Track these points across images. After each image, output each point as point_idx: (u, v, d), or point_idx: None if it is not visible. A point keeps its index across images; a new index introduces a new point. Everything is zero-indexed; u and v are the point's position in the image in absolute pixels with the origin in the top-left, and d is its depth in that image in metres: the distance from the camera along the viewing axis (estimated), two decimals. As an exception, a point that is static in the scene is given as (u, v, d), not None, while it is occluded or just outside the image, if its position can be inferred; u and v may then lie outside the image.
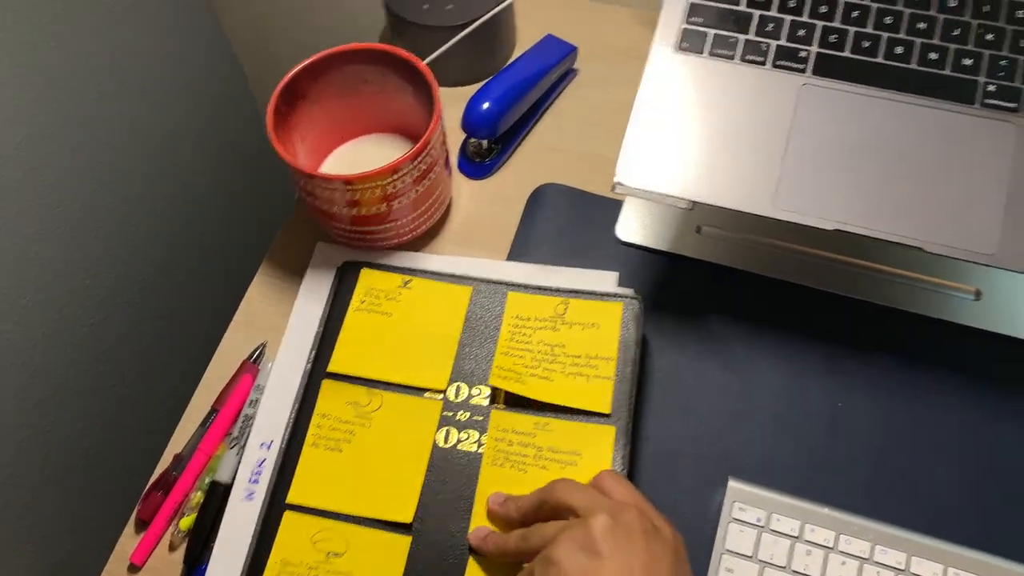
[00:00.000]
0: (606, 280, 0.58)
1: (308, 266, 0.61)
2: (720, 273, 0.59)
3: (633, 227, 0.61)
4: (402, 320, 0.56)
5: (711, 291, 0.58)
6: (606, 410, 0.51)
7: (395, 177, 0.54)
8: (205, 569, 0.51)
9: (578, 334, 0.54)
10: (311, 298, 0.59)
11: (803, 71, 0.51)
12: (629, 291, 0.56)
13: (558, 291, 0.56)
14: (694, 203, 0.49)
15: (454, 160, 0.66)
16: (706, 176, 0.49)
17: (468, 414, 0.53)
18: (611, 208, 0.62)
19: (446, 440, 0.52)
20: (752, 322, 0.57)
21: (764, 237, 0.59)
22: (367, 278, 0.58)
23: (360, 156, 0.63)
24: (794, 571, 0.48)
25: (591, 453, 0.50)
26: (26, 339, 0.72)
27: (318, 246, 0.62)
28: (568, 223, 0.62)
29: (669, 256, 0.60)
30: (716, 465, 0.52)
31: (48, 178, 0.71)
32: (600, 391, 0.52)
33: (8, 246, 0.68)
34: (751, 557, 0.48)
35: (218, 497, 0.53)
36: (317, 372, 0.55)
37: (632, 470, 0.51)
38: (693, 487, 0.52)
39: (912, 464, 0.52)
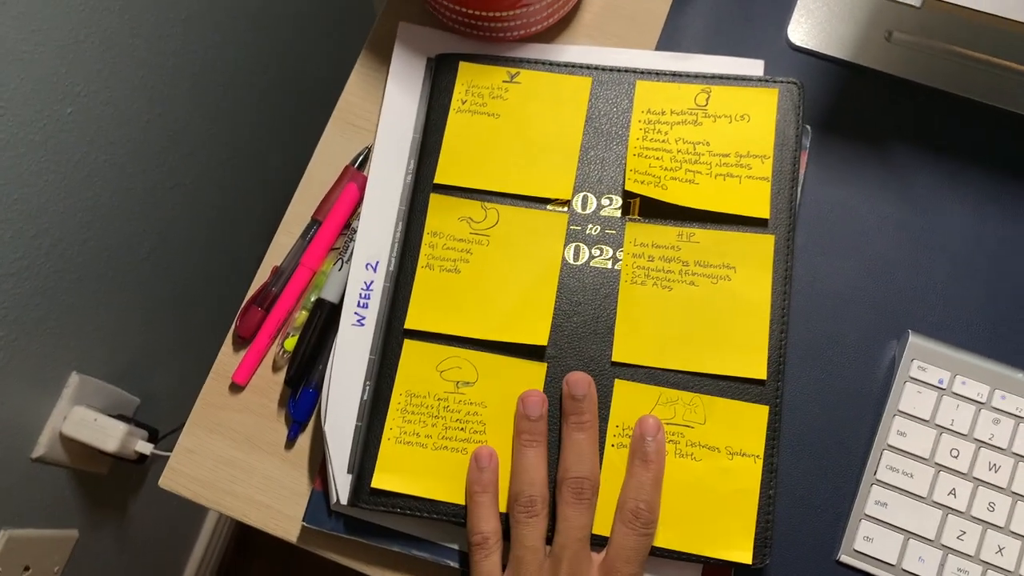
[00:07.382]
0: (750, 67, 0.49)
1: (392, 52, 0.52)
2: (908, 91, 0.49)
3: (808, 29, 0.50)
4: (512, 121, 0.48)
5: (895, 111, 0.49)
6: (763, 215, 0.44)
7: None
8: (311, 391, 0.47)
9: (724, 128, 0.46)
10: (402, 91, 0.51)
11: None
12: (784, 77, 0.47)
13: (697, 77, 0.47)
14: (924, -2, 0.39)
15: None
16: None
17: (599, 227, 0.46)
18: (782, 4, 0.51)
19: (576, 257, 0.46)
20: (940, 150, 0.48)
21: (972, 50, 0.49)
22: (467, 73, 0.49)
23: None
24: (977, 439, 0.42)
25: (747, 266, 0.44)
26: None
27: (401, 27, 0.52)
28: (729, 17, 0.51)
29: (849, 67, 0.50)
30: (891, 314, 0.46)
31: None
32: (755, 193, 0.45)
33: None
34: (928, 421, 0.43)
35: (324, 316, 0.48)
36: (422, 184, 0.48)
37: (789, 303, 0.44)
38: (863, 337, 0.46)
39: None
